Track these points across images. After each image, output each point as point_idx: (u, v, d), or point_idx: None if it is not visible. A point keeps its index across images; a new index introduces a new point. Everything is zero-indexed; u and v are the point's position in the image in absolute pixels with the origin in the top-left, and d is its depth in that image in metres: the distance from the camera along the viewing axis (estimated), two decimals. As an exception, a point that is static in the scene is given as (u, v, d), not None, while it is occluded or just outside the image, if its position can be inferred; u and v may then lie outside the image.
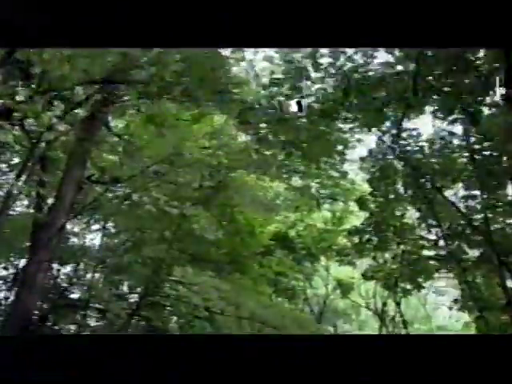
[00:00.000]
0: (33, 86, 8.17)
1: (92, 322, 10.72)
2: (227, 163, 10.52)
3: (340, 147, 11.40)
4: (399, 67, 9.78)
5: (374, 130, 11.17)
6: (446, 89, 9.73)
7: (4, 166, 11.24)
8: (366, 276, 12.60)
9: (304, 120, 10.49)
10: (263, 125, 10.77)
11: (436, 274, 11.86)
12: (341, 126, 10.96)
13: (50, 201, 9.29)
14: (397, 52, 9.29)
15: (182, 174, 10.34)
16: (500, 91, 8.49)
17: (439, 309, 16.76)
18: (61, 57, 7.17)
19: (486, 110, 9.75)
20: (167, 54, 8.18)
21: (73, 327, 10.69)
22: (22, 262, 10.29)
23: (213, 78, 9.28)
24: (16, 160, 10.92)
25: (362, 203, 12.05)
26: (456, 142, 10.57)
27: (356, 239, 12.14)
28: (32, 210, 9.81)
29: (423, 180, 10.88)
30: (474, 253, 10.85)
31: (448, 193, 10.74)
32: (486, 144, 9.98)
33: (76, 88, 8.58)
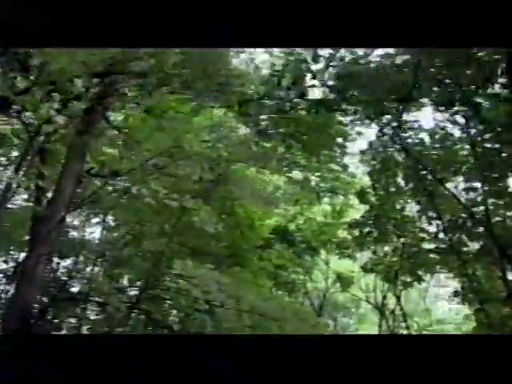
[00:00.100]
0: (31, 78, 8.12)
1: (92, 316, 10.75)
2: (227, 156, 10.48)
3: (340, 140, 11.37)
4: (399, 59, 9.71)
5: (374, 122, 11.12)
6: (447, 80, 9.66)
7: (3, 159, 11.20)
8: (366, 269, 12.62)
9: (304, 112, 10.44)
10: (263, 117, 10.71)
11: (436, 267, 11.87)
12: (341, 118, 10.91)
13: (50, 194, 9.27)
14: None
15: (182, 166, 10.30)
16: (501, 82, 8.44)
17: (439, 302, 16.82)
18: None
19: (487, 102, 9.68)
20: (166, 46, 8.11)
21: (73, 320, 10.72)
22: (22, 256, 10.30)
23: (213, 70, 9.22)
24: (15, 154, 10.89)
25: (362, 196, 12.04)
26: (457, 134, 10.53)
27: (356, 232, 12.14)
28: (31, 204, 9.79)
29: (424, 172, 10.86)
30: (474, 245, 10.86)
31: (449, 185, 10.73)
32: (486, 136, 9.95)
33: (75, 80, 8.52)
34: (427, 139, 10.70)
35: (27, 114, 8.47)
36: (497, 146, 9.87)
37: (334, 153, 11.75)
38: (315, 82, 10.38)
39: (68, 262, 11.36)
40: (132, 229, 11.93)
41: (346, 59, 9.85)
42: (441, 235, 11.26)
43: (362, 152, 11.70)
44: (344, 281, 15.84)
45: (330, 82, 10.44)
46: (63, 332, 10.62)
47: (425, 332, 15.30)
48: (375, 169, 11.62)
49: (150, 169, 9.78)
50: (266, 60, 10.54)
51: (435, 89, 9.91)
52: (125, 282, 11.65)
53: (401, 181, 11.45)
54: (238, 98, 10.03)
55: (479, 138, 10.05)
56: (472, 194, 10.56)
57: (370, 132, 11.30)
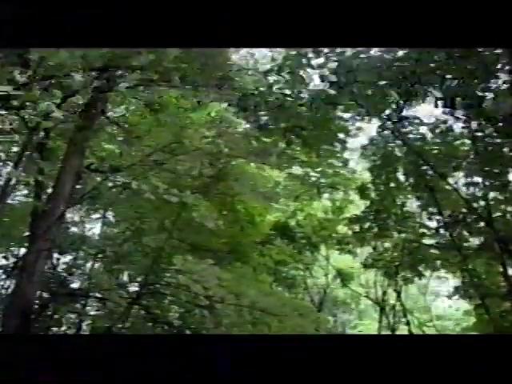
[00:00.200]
0: (30, 72, 8.06)
1: (92, 311, 10.77)
2: (227, 151, 10.45)
3: (341, 135, 11.32)
4: (400, 52, 9.64)
5: (375, 117, 11.07)
6: (448, 75, 9.60)
7: (2, 154, 11.17)
8: (366, 264, 12.62)
9: (304, 107, 10.38)
10: (263, 112, 10.66)
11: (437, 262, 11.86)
12: (341, 114, 10.85)
13: (49, 190, 9.26)
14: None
15: (182, 162, 10.29)
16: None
17: (439, 298, 16.83)
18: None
19: (488, 96, 9.61)
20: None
21: (73, 316, 10.74)
22: (22, 251, 10.30)
23: (212, 65, 9.18)
24: (15, 149, 10.85)
25: (362, 191, 12.02)
26: (458, 128, 10.50)
27: (357, 228, 12.13)
28: (31, 199, 9.78)
29: (425, 167, 10.83)
30: (474, 241, 10.85)
31: (450, 180, 10.71)
32: (488, 131, 9.91)
33: (74, 75, 8.47)
34: (428, 134, 10.66)
35: (26, 109, 8.43)
36: (498, 140, 9.84)
37: (335, 148, 11.71)
38: (316, 76, 10.32)
39: (68, 257, 11.37)
40: (132, 224, 11.93)
41: (347, 53, 9.78)
42: (441, 231, 11.26)
43: (363, 147, 11.67)
44: (344, 277, 15.85)
45: (331, 77, 10.37)
46: (63, 328, 10.65)
47: (425, 328, 15.31)
48: (376, 164, 11.60)
49: (149, 164, 9.76)
50: (266, 54, 10.50)
51: (436, 83, 9.85)
52: (125, 277, 11.65)
53: (401, 176, 11.43)
54: (238, 92, 9.98)
55: (480, 133, 10.02)
56: (473, 189, 10.54)
57: (371, 128, 11.25)
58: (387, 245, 12.21)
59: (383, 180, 11.47)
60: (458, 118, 10.34)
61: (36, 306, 9.11)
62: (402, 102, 10.47)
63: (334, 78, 10.29)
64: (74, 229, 11.95)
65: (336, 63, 9.86)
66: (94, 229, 12.65)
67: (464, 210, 10.65)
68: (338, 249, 13.87)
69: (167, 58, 8.25)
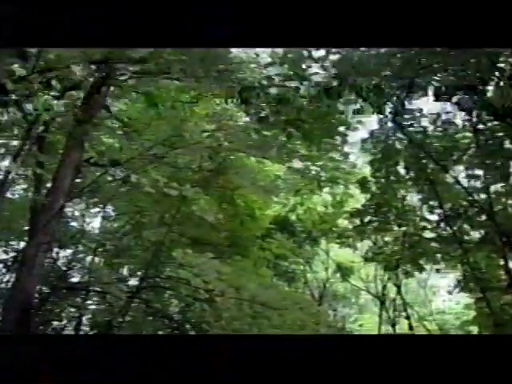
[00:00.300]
0: (29, 65, 8.01)
1: (92, 305, 10.79)
2: (227, 145, 10.41)
3: (341, 128, 11.28)
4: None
5: (375, 110, 11.01)
6: (449, 68, 9.55)
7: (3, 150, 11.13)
8: (367, 258, 12.61)
9: (305, 101, 10.32)
10: (263, 105, 10.60)
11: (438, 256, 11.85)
12: (342, 107, 10.80)
13: (49, 184, 9.23)
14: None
15: (182, 156, 10.26)
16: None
17: (439, 291, 16.84)
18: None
19: (490, 89, 9.56)
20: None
21: (73, 310, 10.76)
22: (22, 245, 10.30)
23: (213, 58, 9.11)
24: (14, 143, 10.81)
25: (363, 185, 11.98)
26: (459, 121, 10.46)
27: (357, 221, 12.12)
28: (30, 193, 9.76)
29: (425, 161, 10.80)
30: (475, 234, 10.84)
31: (451, 173, 10.69)
32: (489, 124, 9.87)
33: (73, 68, 8.41)
34: (429, 127, 10.63)
35: (25, 102, 8.37)
36: (499, 133, 9.81)
37: (335, 141, 11.66)
38: (317, 69, 10.25)
39: (68, 251, 11.37)
40: (132, 218, 11.91)
41: (348, 46, 9.70)
42: (442, 224, 11.24)
43: (364, 140, 11.63)
44: (344, 271, 15.86)
45: (332, 70, 10.30)
46: (63, 322, 10.68)
47: (425, 322, 15.35)
48: (376, 158, 11.56)
49: (149, 158, 9.74)
50: (266, 47, 10.41)
51: (438, 76, 9.79)
52: (125, 271, 11.68)
53: (402, 169, 11.40)
54: (238, 85, 9.92)
55: (482, 126, 9.99)
56: (474, 182, 10.53)
57: (371, 121, 11.21)
58: (388, 238, 12.19)
59: (384, 173, 11.44)
60: (459, 111, 10.29)
61: (36, 300, 9.11)
62: (403, 95, 10.42)
63: (335, 71, 10.23)
64: (73, 223, 11.95)
65: (337, 56, 9.80)
66: (94, 223, 12.65)
67: (465, 203, 10.63)
68: (338, 243, 13.85)
69: (167, 50, 8.20)
